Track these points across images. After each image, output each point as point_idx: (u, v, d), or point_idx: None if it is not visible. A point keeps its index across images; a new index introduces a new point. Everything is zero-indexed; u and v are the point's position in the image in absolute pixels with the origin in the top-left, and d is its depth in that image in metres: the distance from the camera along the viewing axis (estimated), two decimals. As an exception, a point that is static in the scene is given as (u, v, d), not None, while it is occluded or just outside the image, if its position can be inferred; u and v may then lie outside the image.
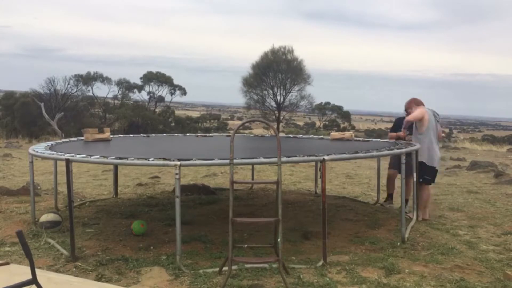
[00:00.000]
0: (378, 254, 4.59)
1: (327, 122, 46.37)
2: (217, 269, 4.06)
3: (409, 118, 6.01)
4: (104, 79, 37.17)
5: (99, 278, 3.89)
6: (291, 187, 8.63)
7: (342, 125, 45.59)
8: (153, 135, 8.37)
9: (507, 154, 15.87)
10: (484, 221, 5.98)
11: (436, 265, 4.28)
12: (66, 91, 32.75)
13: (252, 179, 8.65)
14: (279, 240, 3.83)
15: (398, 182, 6.17)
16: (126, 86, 39.06)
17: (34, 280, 1.67)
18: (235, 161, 4.03)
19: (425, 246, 4.86)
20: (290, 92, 33.61)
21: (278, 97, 33.56)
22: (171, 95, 41.41)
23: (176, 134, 10.09)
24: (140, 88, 40.07)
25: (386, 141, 6.68)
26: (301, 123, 59.54)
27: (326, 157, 4.44)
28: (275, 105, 33.85)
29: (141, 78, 40.17)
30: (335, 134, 7.39)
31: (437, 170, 6.06)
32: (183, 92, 41.49)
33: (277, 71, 32.89)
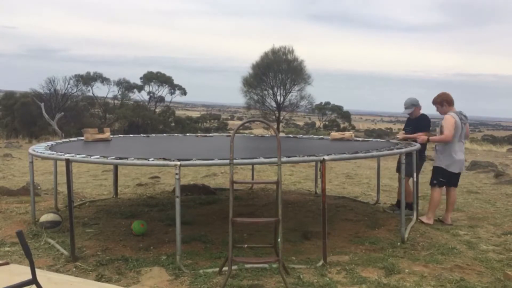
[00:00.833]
0: (378, 254, 4.59)
1: (327, 122, 46.39)
2: (217, 269, 4.06)
3: (437, 139, 5.74)
4: (104, 80, 37.23)
5: (99, 278, 3.89)
6: (291, 187, 8.63)
7: (342, 125, 45.62)
8: (153, 135, 8.37)
9: (507, 154, 15.86)
10: (484, 221, 5.97)
11: (436, 265, 4.28)
12: (66, 91, 32.83)
13: (252, 179, 8.65)
14: (279, 240, 3.83)
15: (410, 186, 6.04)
16: (126, 86, 39.08)
17: (34, 280, 1.66)
18: (235, 161, 4.03)
19: (425, 246, 4.86)
20: (290, 92, 33.59)
21: (278, 97, 33.55)
22: (171, 95, 41.53)
23: (176, 134, 10.09)
24: (140, 88, 40.12)
25: (386, 141, 6.67)
26: (301, 123, 59.58)
27: (326, 157, 4.44)
28: (275, 105, 33.82)
29: (141, 78, 40.23)
30: (335, 134, 7.39)
31: (458, 174, 5.86)
32: (183, 92, 41.58)
33: (277, 71, 32.84)
